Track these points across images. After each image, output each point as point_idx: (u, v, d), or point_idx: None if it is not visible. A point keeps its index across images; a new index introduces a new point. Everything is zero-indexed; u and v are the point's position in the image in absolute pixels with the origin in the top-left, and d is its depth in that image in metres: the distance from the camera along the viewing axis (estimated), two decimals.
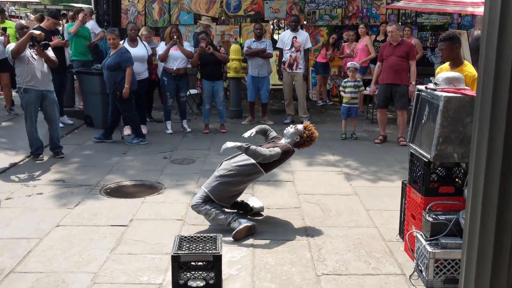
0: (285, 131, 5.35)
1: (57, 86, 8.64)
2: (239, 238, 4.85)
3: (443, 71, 4.95)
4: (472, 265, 1.69)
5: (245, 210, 5.48)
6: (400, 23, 12.21)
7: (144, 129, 9.38)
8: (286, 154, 5.18)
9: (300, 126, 5.32)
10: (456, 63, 5.36)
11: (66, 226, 5.18)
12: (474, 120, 1.63)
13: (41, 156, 7.56)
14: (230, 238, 4.82)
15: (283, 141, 5.32)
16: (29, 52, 7.17)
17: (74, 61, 10.24)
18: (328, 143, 8.78)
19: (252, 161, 5.04)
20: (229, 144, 5.05)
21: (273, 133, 5.63)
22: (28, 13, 32.36)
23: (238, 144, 5.00)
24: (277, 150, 5.06)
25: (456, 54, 5.38)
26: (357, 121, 9.47)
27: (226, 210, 5.20)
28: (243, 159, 5.13)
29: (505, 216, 1.57)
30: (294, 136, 5.27)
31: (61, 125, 8.73)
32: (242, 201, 5.51)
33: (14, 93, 9.75)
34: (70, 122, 10.01)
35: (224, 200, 5.14)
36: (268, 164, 5.11)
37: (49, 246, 4.70)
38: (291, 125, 5.40)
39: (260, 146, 5.28)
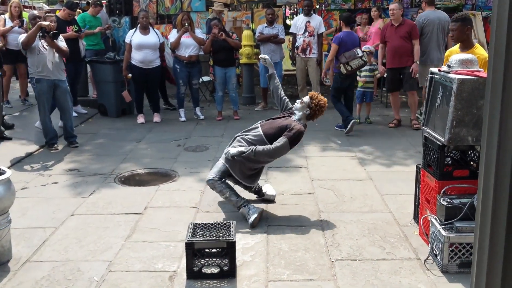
0: (294, 108, 5.24)
1: (71, 76, 8.71)
2: (254, 225, 4.86)
3: (453, 54, 4.88)
4: (484, 248, 1.66)
5: (258, 194, 5.51)
6: (414, 5, 12.06)
7: (157, 117, 9.41)
8: (298, 138, 5.02)
9: (306, 98, 5.17)
10: (467, 45, 5.28)
11: (81, 215, 5.22)
12: (485, 103, 1.60)
13: (55, 145, 7.61)
14: (245, 225, 4.83)
15: (295, 117, 5.18)
16: (40, 43, 7.19)
17: (87, 51, 10.27)
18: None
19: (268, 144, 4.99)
20: (233, 152, 4.90)
21: (285, 98, 5.53)
22: (42, 3, 32.51)
23: (241, 150, 4.89)
24: (284, 141, 4.89)
25: (467, 36, 5.30)
26: (371, 105, 9.40)
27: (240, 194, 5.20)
28: (258, 139, 5.07)
29: None
30: (304, 109, 5.13)
31: (74, 114, 8.77)
32: (257, 184, 5.52)
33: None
34: (84, 111, 10.06)
35: (245, 176, 5.11)
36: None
37: (65, 235, 4.74)
38: (297, 100, 5.26)
39: (273, 118, 5.24)
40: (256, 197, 5.53)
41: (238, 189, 5.28)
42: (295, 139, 4.98)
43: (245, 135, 5.19)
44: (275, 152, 4.92)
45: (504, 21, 1.47)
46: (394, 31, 8.46)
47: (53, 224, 4.97)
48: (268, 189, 5.57)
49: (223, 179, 5.07)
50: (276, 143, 4.90)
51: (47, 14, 9.10)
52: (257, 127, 5.21)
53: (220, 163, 5.14)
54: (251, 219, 4.86)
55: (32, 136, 8.21)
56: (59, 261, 4.24)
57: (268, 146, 4.90)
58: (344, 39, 8.42)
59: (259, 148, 4.88)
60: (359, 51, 8.26)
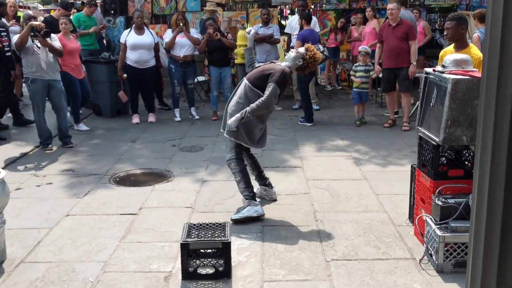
0: (286, 57, 5.24)
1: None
2: (237, 222, 4.88)
3: (448, 54, 4.89)
4: (479, 248, 1.67)
5: (265, 184, 5.57)
6: (408, 5, 12.06)
7: (152, 117, 9.40)
8: (285, 79, 4.94)
9: (301, 49, 5.12)
10: (461, 45, 5.29)
11: (75, 215, 5.20)
12: (480, 103, 1.60)
13: (50, 146, 7.58)
14: (241, 225, 4.83)
15: (281, 63, 5.15)
16: (34, 44, 7.17)
17: (82, 51, 10.23)
18: (337, 128, 8.74)
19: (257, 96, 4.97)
20: (232, 123, 4.93)
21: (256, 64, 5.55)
22: (37, 3, 32.44)
23: (239, 116, 4.89)
24: (273, 86, 4.84)
25: (461, 36, 5.31)
26: (366, 105, 9.40)
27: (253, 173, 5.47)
28: (243, 89, 5.08)
29: None
30: (296, 60, 5.07)
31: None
32: (267, 178, 5.61)
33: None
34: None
35: (255, 142, 5.17)
36: None
37: (59, 235, 4.73)
38: (291, 50, 5.25)
39: (256, 67, 5.25)
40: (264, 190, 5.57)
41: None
42: (282, 81, 4.90)
43: (233, 96, 5.21)
44: (268, 100, 4.85)
45: (498, 21, 1.47)
46: (391, 31, 8.46)
47: (47, 225, 4.95)
48: (274, 188, 5.63)
49: (243, 160, 5.21)
50: (266, 92, 4.87)
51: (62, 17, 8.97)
52: (243, 80, 5.21)
53: (228, 140, 5.18)
54: (237, 216, 4.91)
55: (26, 137, 8.18)
56: (54, 262, 4.23)
57: (260, 99, 4.86)
58: (307, 36, 8.82)
59: (253, 105, 4.86)
60: (320, 46, 8.59)
